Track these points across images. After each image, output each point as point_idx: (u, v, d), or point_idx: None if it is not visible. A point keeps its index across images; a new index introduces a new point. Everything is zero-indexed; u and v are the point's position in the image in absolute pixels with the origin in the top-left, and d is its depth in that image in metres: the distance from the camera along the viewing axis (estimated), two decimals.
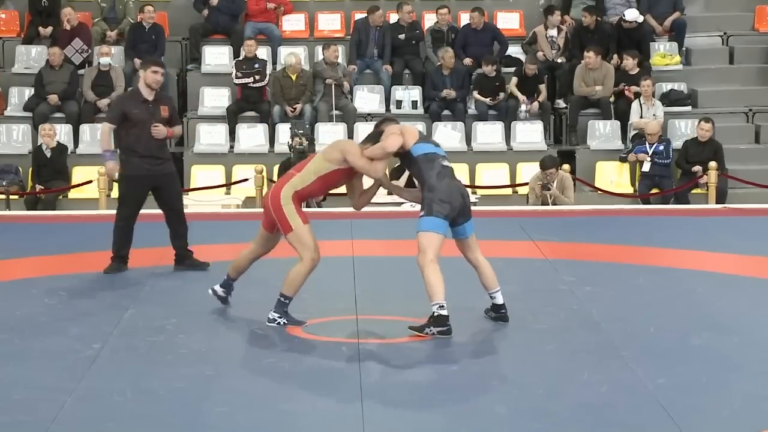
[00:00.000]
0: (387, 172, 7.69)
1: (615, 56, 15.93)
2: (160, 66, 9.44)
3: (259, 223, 7.80)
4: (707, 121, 14.62)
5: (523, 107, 15.41)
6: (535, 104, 15.56)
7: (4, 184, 14.50)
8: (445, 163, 7.53)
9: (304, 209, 7.61)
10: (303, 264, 7.48)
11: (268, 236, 7.73)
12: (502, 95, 15.69)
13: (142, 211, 9.39)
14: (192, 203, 12.86)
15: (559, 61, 16.16)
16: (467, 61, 15.94)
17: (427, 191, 7.36)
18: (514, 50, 16.59)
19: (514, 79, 15.62)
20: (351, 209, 7.92)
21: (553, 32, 16.31)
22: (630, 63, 15.44)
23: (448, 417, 5.94)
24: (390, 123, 7.68)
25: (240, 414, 6.00)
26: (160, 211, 9.43)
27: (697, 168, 14.29)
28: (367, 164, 7.45)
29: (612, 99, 15.66)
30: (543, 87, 15.74)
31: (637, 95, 15.31)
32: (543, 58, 16.09)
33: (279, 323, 7.50)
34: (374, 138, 7.54)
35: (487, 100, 15.58)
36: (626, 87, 15.46)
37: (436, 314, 7.26)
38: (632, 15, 16.03)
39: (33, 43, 16.41)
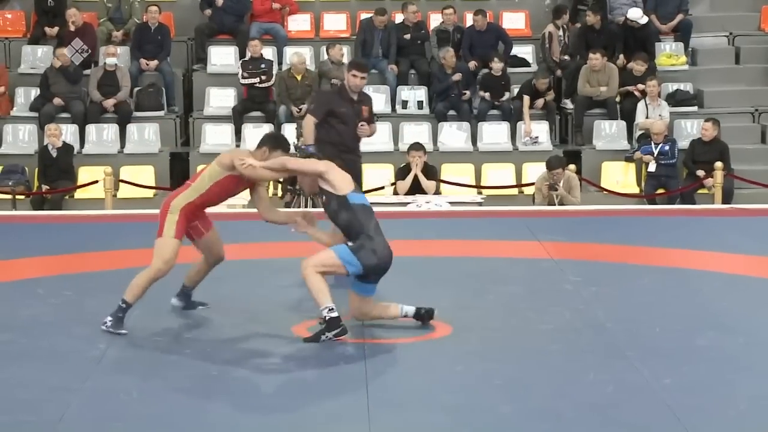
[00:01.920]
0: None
1: (621, 57, 15.92)
2: (360, 70, 9.41)
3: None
4: (708, 121, 14.61)
5: (528, 138, 15.34)
6: (540, 101, 15.56)
7: (10, 184, 14.52)
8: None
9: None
10: (150, 272, 7.42)
11: (204, 244, 7.69)
12: (507, 95, 15.68)
13: (147, 212, 9.39)
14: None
15: (566, 57, 16.15)
16: (472, 64, 15.93)
17: (363, 239, 7.19)
18: (520, 50, 16.59)
19: (526, 99, 15.44)
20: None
21: (560, 32, 16.32)
22: (640, 67, 15.39)
23: (453, 417, 5.94)
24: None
25: (245, 414, 6.00)
26: None
27: (701, 172, 14.26)
28: (249, 168, 7.35)
29: (618, 99, 15.65)
30: (551, 91, 15.76)
31: (644, 94, 15.30)
32: (552, 63, 16.07)
33: (108, 327, 7.35)
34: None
35: (486, 93, 15.55)
36: (635, 87, 15.45)
37: (327, 318, 7.13)
38: (635, 14, 16.01)
39: (39, 44, 16.42)
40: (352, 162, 9.16)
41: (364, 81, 9.46)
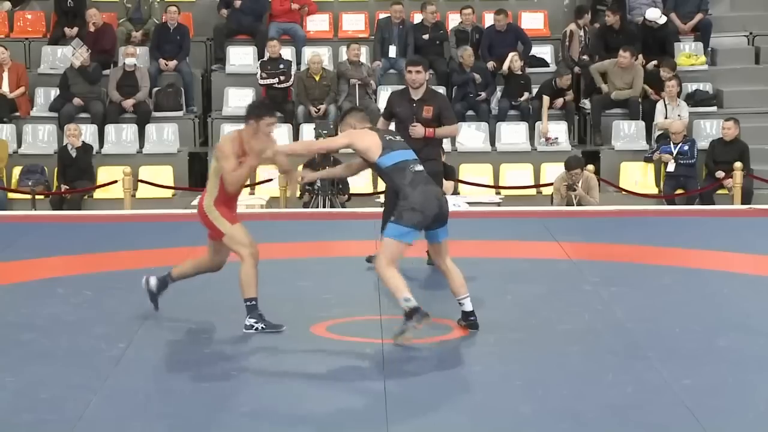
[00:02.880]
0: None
1: (641, 57, 15.88)
2: (411, 65, 9.31)
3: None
4: (729, 120, 14.56)
5: (543, 139, 15.32)
6: (560, 101, 15.54)
7: (30, 184, 14.59)
8: (417, 168, 7.35)
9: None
10: (245, 263, 7.42)
11: (216, 246, 7.65)
12: (526, 95, 15.66)
13: (165, 212, 9.40)
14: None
15: (585, 57, 16.12)
16: (490, 64, 15.92)
17: (401, 199, 7.25)
18: (539, 50, 16.57)
19: (546, 99, 15.42)
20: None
21: (581, 32, 16.29)
22: (666, 74, 15.32)
23: (472, 417, 5.94)
24: (354, 114, 7.54)
25: (264, 414, 6.01)
26: (186, 212, 9.44)
27: (721, 173, 14.21)
28: (231, 167, 7.31)
29: (639, 99, 15.63)
30: (570, 91, 15.75)
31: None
32: (571, 62, 16.06)
33: (257, 329, 7.41)
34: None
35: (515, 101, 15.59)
36: (655, 92, 15.43)
37: (407, 309, 7.15)
38: (653, 14, 15.97)
39: (59, 44, 16.48)
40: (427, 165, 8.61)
41: (420, 75, 9.22)
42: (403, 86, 9.52)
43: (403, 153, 7.36)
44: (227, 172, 7.36)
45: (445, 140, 14.69)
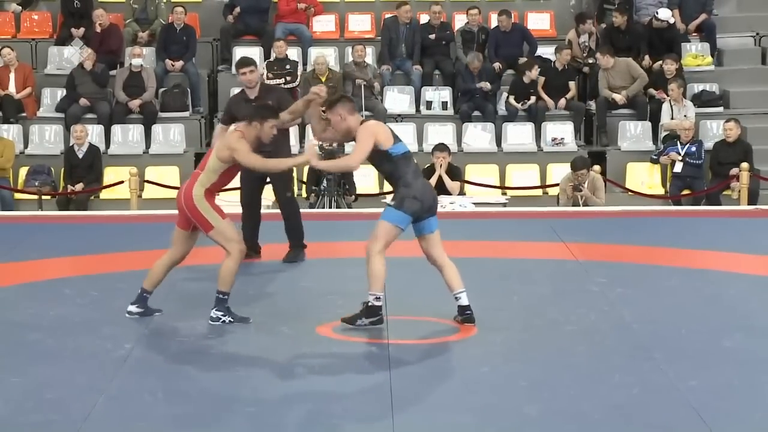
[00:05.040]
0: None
1: (647, 57, 15.87)
2: (243, 66, 9.61)
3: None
4: (730, 121, 14.54)
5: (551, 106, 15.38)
6: (562, 101, 15.53)
7: (36, 184, 14.60)
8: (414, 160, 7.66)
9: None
10: (232, 257, 7.54)
11: (185, 236, 7.72)
12: (533, 99, 15.63)
13: (172, 212, 9.40)
14: (222, 204, 12.86)
15: (590, 61, 16.12)
16: (497, 65, 15.91)
17: (402, 186, 7.41)
18: (544, 51, 16.57)
19: (542, 80, 15.55)
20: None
21: (585, 38, 16.27)
22: (670, 67, 15.32)
23: (478, 418, 5.94)
24: (345, 104, 7.52)
25: (270, 415, 6.01)
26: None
27: (735, 170, 14.11)
28: (258, 161, 7.53)
29: (647, 99, 15.61)
30: (573, 85, 15.72)
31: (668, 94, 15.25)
32: (572, 60, 16.04)
33: (224, 321, 7.57)
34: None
35: (519, 104, 15.56)
36: (659, 92, 15.41)
37: (370, 304, 7.39)
38: (665, 14, 15.96)
39: (65, 45, 16.50)
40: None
41: (253, 75, 9.56)
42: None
43: (404, 144, 7.57)
44: (245, 153, 7.46)
45: (449, 141, 14.82)
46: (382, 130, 7.46)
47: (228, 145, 7.57)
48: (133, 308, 7.84)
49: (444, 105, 15.94)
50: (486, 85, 15.49)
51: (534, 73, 15.47)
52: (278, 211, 9.95)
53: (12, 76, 15.68)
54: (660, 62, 15.68)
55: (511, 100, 15.59)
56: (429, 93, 16.02)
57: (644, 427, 5.80)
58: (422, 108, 15.94)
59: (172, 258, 7.81)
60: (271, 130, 7.62)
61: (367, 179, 14.35)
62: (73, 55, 16.00)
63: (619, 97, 15.41)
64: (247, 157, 7.50)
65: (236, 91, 15.81)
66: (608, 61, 15.42)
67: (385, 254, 7.43)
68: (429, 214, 7.48)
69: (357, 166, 7.52)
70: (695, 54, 16.39)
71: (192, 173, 7.77)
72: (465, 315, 7.56)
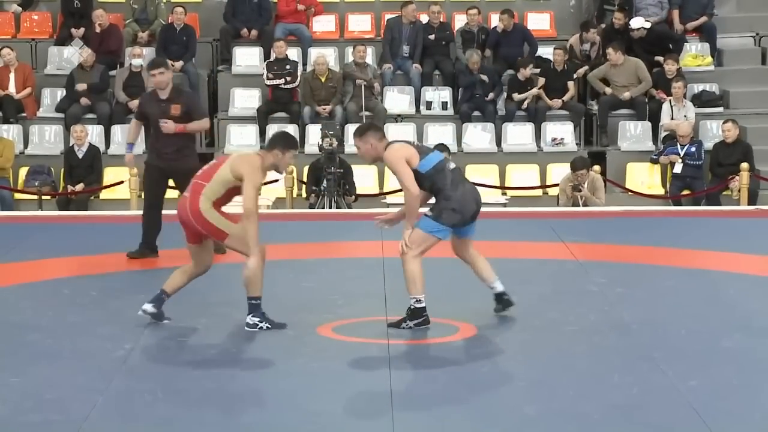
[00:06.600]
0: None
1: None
2: (155, 67, 9.77)
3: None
4: (728, 122, 14.54)
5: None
6: (558, 101, 15.53)
7: (36, 184, 14.60)
8: (452, 165, 7.52)
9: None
10: (251, 260, 7.39)
11: (198, 249, 7.63)
12: (529, 96, 15.61)
13: (172, 213, 9.40)
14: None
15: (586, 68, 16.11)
16: (497, 65, 15.94)
17: (443, 200, 7.39)
18: (545, 51, 16.56)
19: (541, 80, 15.55)
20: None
21: (587, 46, 16.26)
22: (671, 67, 15.32)
23: (478, 418, 5.94)
24: (374, 132, 7.45)
25: (270, 414, 6.02)
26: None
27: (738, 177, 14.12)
28: (253, 205, 7.30)
29: (646, 99, 15.61)
30: (572, 84, 15.72)
31: (668, 95, 15.24)
32: (573, 64, 16.05)
33: (261, 327, 7.44)
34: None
35: (521, 96, 15.56)
36: (659, 92, 15.41)
37: (413, 308, 7.39)
38: (638, 23, 15.95)
39: (65, 45, 16.50)
40: (166, 165, 9.63)
41: (163, 76, 9.66)
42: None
43: (435, 154, 7.52)
44: (255, 185, 7.32)
45: (449, 141, 14.82)
46: (405, 152, 7.38)
47: (244, 167, 7.40)
48: (148, 307, 7.71)
49: (444, 105, 15.94)
50: (485, 78, 15.47)
51: (527, 71, 15.47)
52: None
53: (12, 76, 15.68)
54: (661, 60, 15.67)
55: (515, 95, 15.61)
56: (429, 93, 16.02)
57: (644, 427, 5.80)
58: (422, 108, 15.94)
59: (194, 271, 7.71)
60: (291, 160, 7.55)
61: (367, 179, 14.36)
62: (73, 55, 16.03)
63: (627, 94, 15.40)
64: (249, 189, 7.31)
65: (237, 91, 15.97)
66: (618, 57, 15.41)
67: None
68: (472, 220, 7.52)
69: (416, 191, 7.40)
70: (695, 54, 16.39)
71: (192, 183, 7.60)
72: (503, 300, 7.74)
